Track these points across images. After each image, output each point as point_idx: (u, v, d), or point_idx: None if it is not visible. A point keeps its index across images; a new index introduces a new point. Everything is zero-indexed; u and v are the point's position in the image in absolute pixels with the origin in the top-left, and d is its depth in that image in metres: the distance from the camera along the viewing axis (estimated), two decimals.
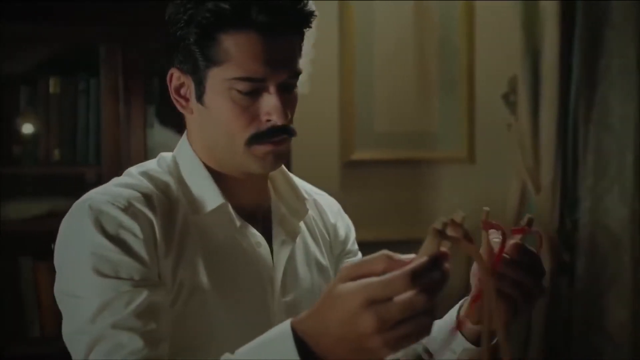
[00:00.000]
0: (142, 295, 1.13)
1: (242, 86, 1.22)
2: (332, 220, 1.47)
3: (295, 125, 1.26)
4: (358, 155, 3.11)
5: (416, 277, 0.81)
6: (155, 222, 1.21)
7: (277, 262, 1.32)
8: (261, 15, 1.19)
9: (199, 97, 1.26)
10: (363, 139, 3.11)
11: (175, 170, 1.31)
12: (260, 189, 1.35)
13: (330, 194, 1.51)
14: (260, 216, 1.34)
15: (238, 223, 1.28)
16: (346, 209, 1.51)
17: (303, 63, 1.28)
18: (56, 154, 2.50)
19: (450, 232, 0.86)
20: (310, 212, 1.41)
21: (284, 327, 0.90)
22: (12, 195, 2.47)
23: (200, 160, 1.31)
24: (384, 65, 3.12)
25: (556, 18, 2.95)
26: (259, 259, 1.30)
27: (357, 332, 0.83)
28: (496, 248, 1.08)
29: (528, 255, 1.15)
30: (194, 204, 1.28)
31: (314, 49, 2.65)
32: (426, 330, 0.83)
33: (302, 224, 1.39)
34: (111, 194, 1.22)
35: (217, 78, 1.23)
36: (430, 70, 3.17)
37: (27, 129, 2.48)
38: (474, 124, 3.22)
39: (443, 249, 0.84)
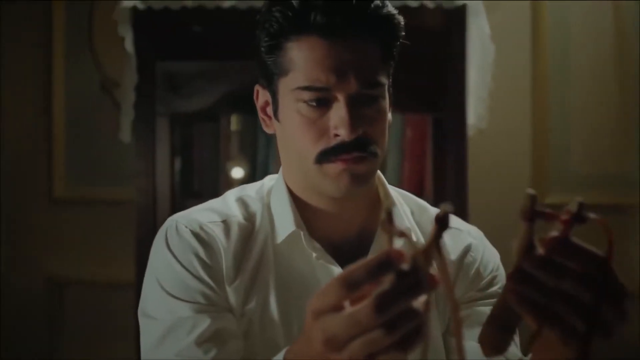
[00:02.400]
0: (205, 323, 1.11)
1: (307, 96, 1.12)
2: (453, 257, 1.26)
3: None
4: (552, 198, 2.85)
5: (350, 283, 0.69)
6: (225, 249, 1.17)
7: None
8: (319, 16, 1.09)
9: (275, 113, 1.19)
10: (558, 180, 2.87)
11: (267, 197, 1.25)
12: (354, 218, 1.22)
13: None
14: (353, 248, 1.21)
15: (314, 254, 1.17)
16: None
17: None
18: None
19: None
20: (423, 243, 1.26)
21: (280, 354, 0.90)
22: None
23: (286, 185, 1.23)
24: (581, 94, 2.87)
25: None
26: None
27: (316, 350, 0.72)
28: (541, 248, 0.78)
29: (574, 253, 0.78)
30: (274, 233, 1.20)
31: (494, 81, 2.50)
32: (387, 349, 0.67)
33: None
34: (189, 217, 1.21)
35: (286, 89, 1.15)
36: (634, 98, 2.85)
37: (210, 163, 2.54)
38: None
39: (398, 247, 0.68)
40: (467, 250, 1.28)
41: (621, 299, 0.79)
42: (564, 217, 0.78)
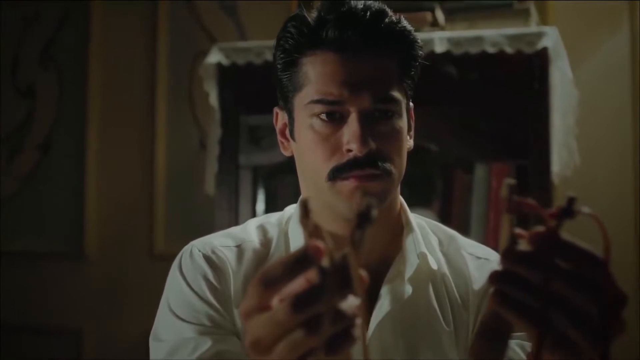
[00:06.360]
0: (207, 345, 1.10)
1: (319, 109, 1.10)
2: (476, 287, 1.20)
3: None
4: None
5: (267, 281, 0.64)
6: (235, 272, 1.16)
7: (370, 327, 1.13)
8: (331, 31, 1.09)
9: (291, 132, 1.18)
10: None
11: (286, 224, 1.24)
12: (373, 244, 1.16)
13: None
14: (371, 275, 1.15)
15: None
16: None
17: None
18: None
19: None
20: (446, 272, 1.21)
21: None
22: None
23: None
24: None
25: None
26: None
27: (251, 356, 0.67)
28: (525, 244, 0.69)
29: (564, 250, 0.69)
30: None
31: (592, 126, 2.37)
32: (313, 352, 0.62)
33: (429, 285, 1.18)
34: (204, 241, 1.21)
35: (300, 105, 1.14)
36: None
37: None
38: None
39: (319, 243, 0.62)
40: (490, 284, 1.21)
41: (617, 303, 0.69)
42: (552, 211, 0.69)
